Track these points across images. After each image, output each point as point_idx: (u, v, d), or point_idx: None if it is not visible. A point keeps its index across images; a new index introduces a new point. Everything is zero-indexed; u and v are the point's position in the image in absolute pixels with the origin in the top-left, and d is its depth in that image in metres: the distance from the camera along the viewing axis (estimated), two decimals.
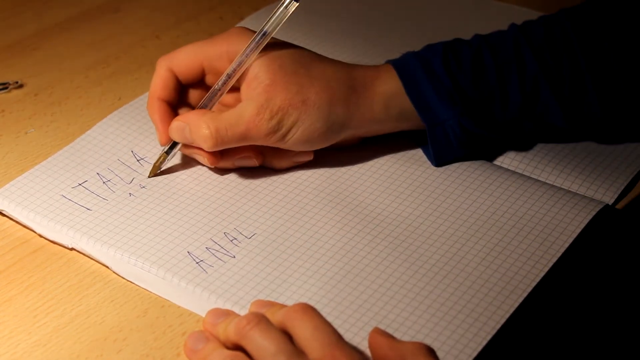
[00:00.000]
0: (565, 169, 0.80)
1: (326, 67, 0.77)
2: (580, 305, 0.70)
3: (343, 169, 0.80)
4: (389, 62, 0.80)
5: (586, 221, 0.74)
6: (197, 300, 0.68)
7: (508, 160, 0.82)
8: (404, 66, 0.79)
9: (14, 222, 0.75)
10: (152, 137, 0.83)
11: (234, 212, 0.75)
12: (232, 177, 0.79)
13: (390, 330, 0.66)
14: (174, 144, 0.78)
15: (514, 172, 0.80)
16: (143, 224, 0.74)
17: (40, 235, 0.74)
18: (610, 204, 0.77)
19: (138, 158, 0.80)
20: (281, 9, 0.75)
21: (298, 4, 0.74)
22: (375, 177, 0.79)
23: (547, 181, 0.80)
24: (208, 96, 0.77)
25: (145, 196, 0.77)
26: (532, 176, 0.80)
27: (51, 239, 0.73)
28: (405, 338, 0.65)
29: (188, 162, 0.80)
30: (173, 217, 0.75)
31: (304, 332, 0.61)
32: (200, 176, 0.79)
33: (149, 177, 0.78)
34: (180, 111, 0.79)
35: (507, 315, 0.67)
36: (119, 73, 0.93)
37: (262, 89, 0.75)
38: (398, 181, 0.79)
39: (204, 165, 0.79)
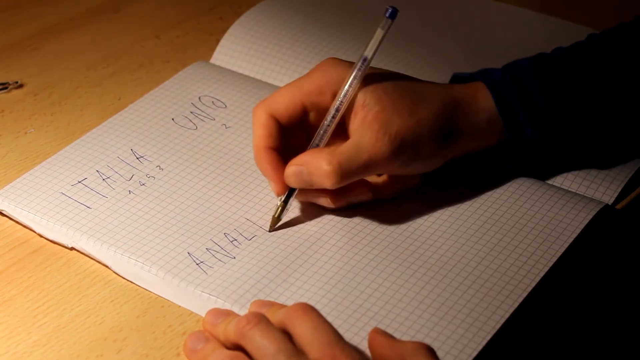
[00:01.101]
0: (565, 168, 0.80)
1: (428, 88, 0.76)
2: (580, 305, 0.70)
3: None
4: (478, 78, 0.79)
5: (586, 221, 0.74)
6: (197, 301, 0.69)
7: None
8: (497, 85, 0.77)
9: (14, 222, 0.75)
10: (152, 136, 0.83)
11: (234, 213, 0.75)
12: (232, 177, 0.79)
13: (390, 330, 0.66)
14: (290, 192, 0.74)
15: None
16: (143, 224, 0.74)
17: (40, 235, 0.74)
18: (610, 204, 0.77)
19: (138, 156, 0.80)
20: (378, 32, 0.73)
21: (393, 21, 0.73)
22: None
23: (547, 181, 0.80)
24: (318, 134, 0.74)
25: (145, 194, 0.77)
26: (532, 176, 0.80)
27: (51, 238, 0.73)
28: (405, 338, 0.65)
29: (188, 161, 0.80)
30: (173, 218, 0.74)
31: (304, 332, 0.61)
32: (200, 174, 0.79)
33: (269, 231, 0.75)
34: (287, 158, 0.75)
35: (507, 315, 0.67)
36: (119, 73, 0.93)
37: (373, 115, 0.73)
38: None
39: (324, 207, 0.76)
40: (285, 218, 0.75)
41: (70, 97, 0.89)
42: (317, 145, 0.74)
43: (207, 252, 0.72)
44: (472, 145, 0.77)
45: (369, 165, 0.73)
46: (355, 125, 0.74)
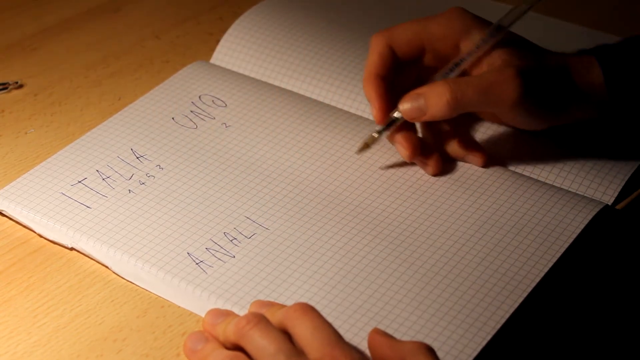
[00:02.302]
0: (565, 168, 0.80)
1: (549, 53, 0.77)
2: (580, 305, 0.70)
3: (343, 169, 0.80)
4: (586, 51, 0.80)
5: (586, 221, 0.74)
6: (197, 301, 0.69)
7: (508, 160, 0.82)
8: (606, 58, 0.78)
9: (14, 222, 0.75)
10: (152, 135, 0.83)
11: (234, 212, 0.75)
12: (232, 176, 0.79)
13: (390, 331, 0.66)
14: (389, 124, 0.76)
15: (514, 172, 0.80)
16: (143, 223, 0.74)
17: (40, 236, 0.74)
18: (610, 204, 0.77)
19: (138, 155, 0.80)
20: (521, 6, 0.75)
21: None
22: (375, 177, 0.79)
23: (547, 181, 0.80)
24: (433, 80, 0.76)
25: (145, 193, 0.77)
26: (532, 176, 0.80)
27: (51, 238, 0.73)
28: (405, 338, 0.65)
29: (188, 160, 0.80)
30: (173, 217, 0.75)
31: (303, 332, 0.61)
32: (200, 173, 0.79)
33: (357, 153, 0.78)
34: (395, 95, 0.77)
35: (507, 315, 0.67)
36: (119, 73, 0.93)
37: (499, 63, 0.74)
38: (398, 182, 0.79)
39: (403, 159, 0.79)
40: (284, 217, 0.75)
41: (70, 97, 0.89)
42: None
43: (207, 251, 0.72)
44: (579, 114, 0.78)
45: (488, 93, 0.73)
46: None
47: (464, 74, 0.77)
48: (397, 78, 0.78)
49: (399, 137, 0.77)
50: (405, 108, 0.75)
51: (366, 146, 0.78)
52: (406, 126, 0.78)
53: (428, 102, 0.74)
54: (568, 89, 0.77)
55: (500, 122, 0.82)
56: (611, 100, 0.78)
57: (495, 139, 0.83)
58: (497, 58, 0.75)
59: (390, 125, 0.77)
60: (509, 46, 0.76)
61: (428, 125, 0.80)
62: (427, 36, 0.76)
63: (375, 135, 0.78)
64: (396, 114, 0.77)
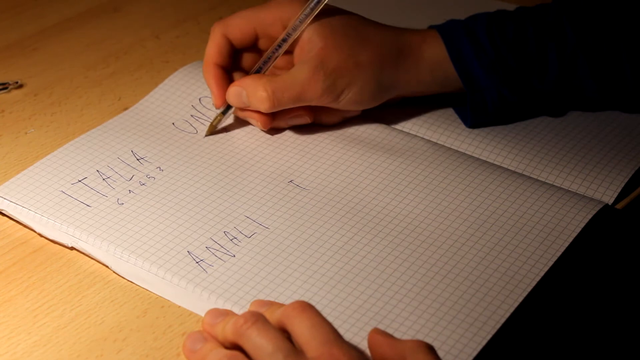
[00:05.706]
0: (565, 168, 0.80)
1: (376, 31, 0.81)
2: (580, 305, 0.70)
3: (342, 168, 0.80)
4: (433, 27, 0.84)
5: (586, 221, 0.74)
6: (197, 300, 0.69)
7: (508, 160, 0.82)
8: (449, 34, 0.82)
9: (14, 222, 0.75)
10: (152, 138, 0.83)
11: (234, 211, 0.75)
12: (232, 175, 0.79)
13: (390, 330, 0.66)
14: (229, 106, 0.82)
15: (513, 172, 0.80)
16: (143, 221, 0.74)
17: (41, 235, 0.74)
18: (610, 203, 0.77)
19: (138, 157, 0.80)
20: None
21: None
22: (375, 176, 0.79)
23: (547, 181, 0.80)
24: (262, 60, 0.81)
25: (145, 193, 0.77)
26: (532, 176, 0.80)
27: (51, 237, 0.73)
28: (405, 337, 0.65)
29: (188, 159, 0.80)
30: (173, 216, 0.75)
31: (301, 330, 0.60)
32: (201, 173, 0.79)
33: (205, 136, 0.82)
34: (235, 76, 0.83)
35: (507, 315, 0.67)
36: (119, 73, 0.93)
37: (315, 52, 0.79)
38: (398, 180, 0.79)
39: (257, 127, 0.83)
40: (285, 217, 0.75)
41: (70, 97, 0.89)
42: (260, 70, 0.81)
43: (207, 250, 0.72)
44: (410, 91, 0.83)
45: (300, 98, 0.79)
46: (298, 58, 0.80)
47: (289, 51, 0.81)
48: (238, 63, 0.83)
49: (250, 113, 0.82)
50: (231, 101, 0.81)
51: (213, 127, 0.82)
52: None
53: (250, 98, 0.80)
54: (392, 74, 0.81)
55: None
56: (461, 74, 0.81)
57: (495, 140, 0.83)
58: (312, 47, 0.79)
59: (230, 107, 0.83)
60: (328, 34, 0.79)
61: None
62: (259, 23, 0.81)
63: (219, 116, 0.83)
64: None
